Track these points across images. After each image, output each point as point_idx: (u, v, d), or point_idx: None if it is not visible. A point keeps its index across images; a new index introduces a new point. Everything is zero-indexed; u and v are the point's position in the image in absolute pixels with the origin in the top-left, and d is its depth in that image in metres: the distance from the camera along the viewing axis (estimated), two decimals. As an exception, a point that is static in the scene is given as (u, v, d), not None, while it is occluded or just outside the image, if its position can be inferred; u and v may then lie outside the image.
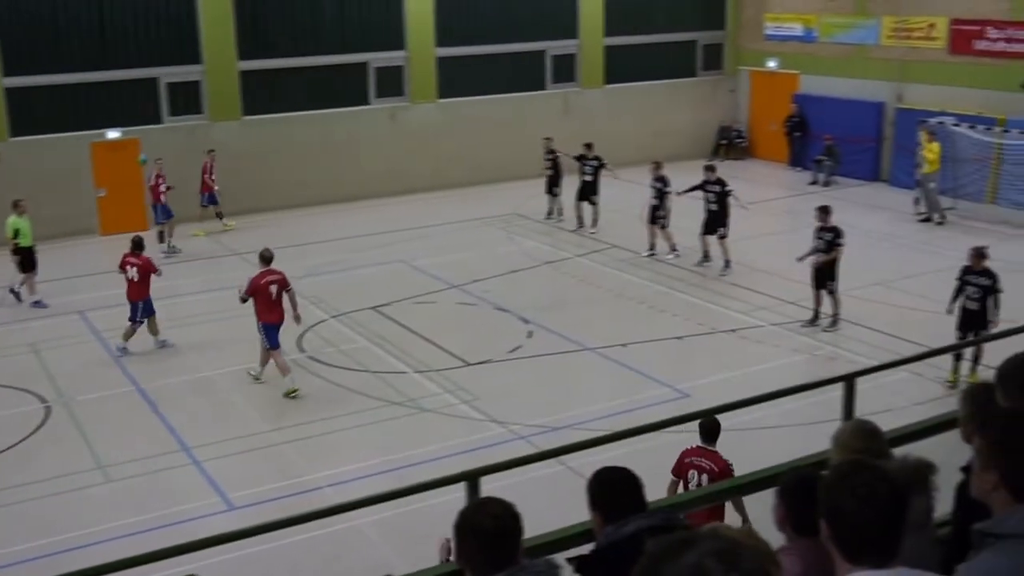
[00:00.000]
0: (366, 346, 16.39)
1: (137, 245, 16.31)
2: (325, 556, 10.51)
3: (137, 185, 23.49)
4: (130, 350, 16.21)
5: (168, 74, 24.44)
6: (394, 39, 26.73)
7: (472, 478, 5.08)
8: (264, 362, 14.73)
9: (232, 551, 9.01)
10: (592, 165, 22.74)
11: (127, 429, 13.71)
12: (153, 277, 16.30)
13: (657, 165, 20.95)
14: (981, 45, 24.95)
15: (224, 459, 12.72)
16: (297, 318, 14.70)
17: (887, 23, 27.05)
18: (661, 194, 20.47)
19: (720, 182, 19.64)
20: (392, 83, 26.93)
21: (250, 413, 14.04)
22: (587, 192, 22.83)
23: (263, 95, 25.44)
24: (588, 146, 22.97)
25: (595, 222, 22.79)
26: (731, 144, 31.17)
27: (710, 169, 19.99)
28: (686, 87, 31.12)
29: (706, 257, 19.91)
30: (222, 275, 20.07)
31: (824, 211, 16.88)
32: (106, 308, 17.61)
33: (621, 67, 29.98)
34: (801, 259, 16.84)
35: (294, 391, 14.32)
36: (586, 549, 4.42)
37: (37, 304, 18.69)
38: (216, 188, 23.37)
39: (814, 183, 27.43)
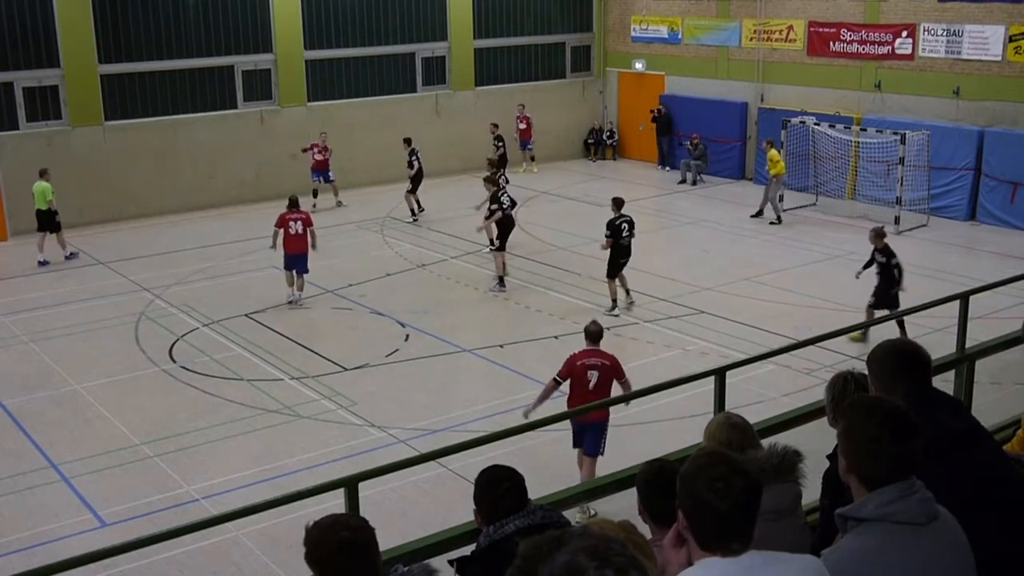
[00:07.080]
0: (240, 354, 16.10)
1: (293, 203, 18.29)
2: (203, 570, 10.29)
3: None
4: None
5: (24, 78, 23.63)
6: (262, 42, 26.32)
7: (351, 484, 5.06)
8: None
9: (105, 569, 8.79)
10: None
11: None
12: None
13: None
14: (837, 47, 25.88)
15: (94, 475, 12.33)
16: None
17: (748, 25, 27.82)
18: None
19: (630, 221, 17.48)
20: (261, 87, 26.52)
21: (120, 427, 13.64)
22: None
23: (125, 100, 24.75)
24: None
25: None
26: (601, 144, 31.61)
27: (617, 204, 17.65)
28: (556, 89, 31.44)
29: (616, 302, 17.71)
30: (86, 285, 19.52)
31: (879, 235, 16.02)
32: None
33: (491, 69, 30.16)
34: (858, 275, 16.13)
35: None
36: (468, 550, 4.45)
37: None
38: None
39: (683, 182, 28.03)
